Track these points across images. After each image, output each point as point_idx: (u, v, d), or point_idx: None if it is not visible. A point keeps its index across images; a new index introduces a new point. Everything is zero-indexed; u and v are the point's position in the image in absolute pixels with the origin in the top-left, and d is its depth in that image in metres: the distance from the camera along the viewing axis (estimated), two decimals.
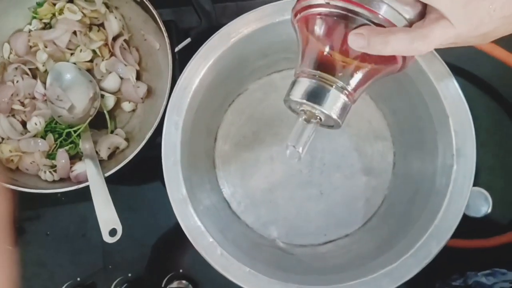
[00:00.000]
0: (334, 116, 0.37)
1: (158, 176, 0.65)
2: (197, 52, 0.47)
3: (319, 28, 0.36)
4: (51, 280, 0.64)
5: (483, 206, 0.49)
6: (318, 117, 0.38)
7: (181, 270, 0.63)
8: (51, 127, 0.59)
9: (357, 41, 0.34)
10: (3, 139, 0.59)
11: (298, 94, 0.37)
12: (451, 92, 0.46)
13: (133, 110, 0.63)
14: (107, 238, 0.47)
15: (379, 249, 0.51)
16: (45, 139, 0.58)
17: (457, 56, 0.56)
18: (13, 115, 0.60)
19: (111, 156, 0.60)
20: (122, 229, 0.50)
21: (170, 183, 0.46)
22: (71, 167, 0.57)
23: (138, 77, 0.62)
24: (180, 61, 0.57)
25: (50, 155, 0.58)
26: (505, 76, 0.63)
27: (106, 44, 0.61)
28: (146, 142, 0.53)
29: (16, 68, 0.60)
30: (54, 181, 0.57)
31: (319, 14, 0.36)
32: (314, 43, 0.37)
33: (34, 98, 0.60)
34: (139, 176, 0.65)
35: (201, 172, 0.56)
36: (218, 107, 0.59)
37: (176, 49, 0.54)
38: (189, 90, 0.47)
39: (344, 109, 0.37)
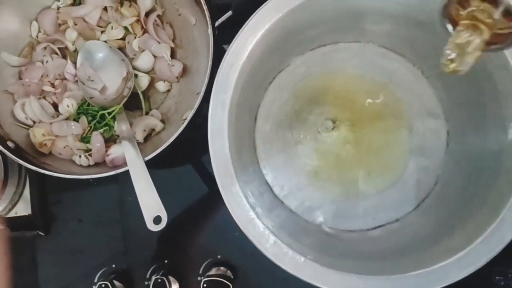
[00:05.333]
0: None
1: (190, 159, 0.63)
2: (245, 24, 0.43)
3: None
4: (84, 267, 0.62)
5: None
6: None
7: (219, 256, 0.61)
8: (83, 109, 0.56)
9: None
10: (34, 122, 0.56)
11: None
12: None
13: (168, 90, 0.60)
14: (152, 226, 0.44)
15: (438, 231, 0.48)
16: (78, 121, 0.56)
17: None
18: (44, 97, 0.57)
19: (147, 138, 0.57)
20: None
21: (218, 167, 0.43)
22: (106, 151, 0.54)
23: (173, 55, 0.59)
24: (218, 37, 0.54)
25: (84, 139, 0.56)
26: None
27: (138, 20, 0.58)
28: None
29: (45, 48, 0.58)
30: (89, 166, 0.55)
31: None
32: None
33: (64, 79, 0.57)
34: (173, 159, 0.63)
35: (244, 154, 0.53)
36: (259, 84, 0.56)
37: (217, 23, 0.51)
38: (236, 66, 0.44)
39: None
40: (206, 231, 0.62)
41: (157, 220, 0.45)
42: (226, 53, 0.44)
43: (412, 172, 0.56)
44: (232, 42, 0.43)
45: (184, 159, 0.62)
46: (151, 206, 0.45)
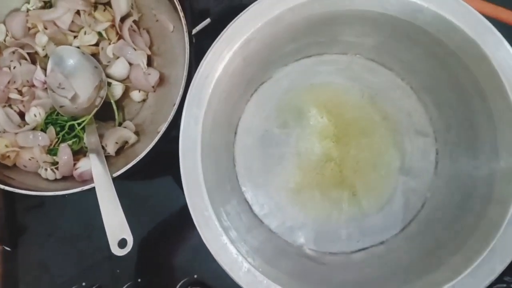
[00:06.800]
0: None
1: (171, 172, 0.59)
2: (221, 34, 0.40)
3: None
4: (53, 285, 0.59)
5: None
6: None
7: (195, 276, 0.58)
8: (52, 119, 0.53)
9: None
10: None
11: None
12: None
13: (144, 100, 0.57)
14: (116, 250, 0.41)
15: (423, 261, 0.45)
16: (45, 132, 0.52)
17: None
18: (10, 105, 0.54)
19: (119, 151, 0.54)
20: (131, 230, 0.44)
21: (188, 187, 0.40)
22: (74, 164, 0.51)
23: (149, 63, 0.56)
24: (197, 45, 0.51)
25: (51, 151, 0.52)
26: None
27: (113, 26, 0.55)
28: (160, 137, 0.47)
29: (13, 53, 0.54)
30: (56, 180, 0.51)
31: None
32: None
33: (33, 86, 0.54)
34: (151, 172, 0.60)
35: (221, 171, 0.50)
36: (240, 97, 0.52)
37: (194, 31, 0.48)
38: (211, 79, 0.41)
39: None
40: (183, 248, 0.59)
41: (122, 243, 0.42)
42: (200, 65, 0.41)
43: (399, 193, 0.53)
44: (206, 54, 0.40)
45: (161, 172, 0.59)
46: (116, 227, 0.42)
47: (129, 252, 0.57)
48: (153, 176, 0.59)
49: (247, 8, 0.41)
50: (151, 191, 0.59)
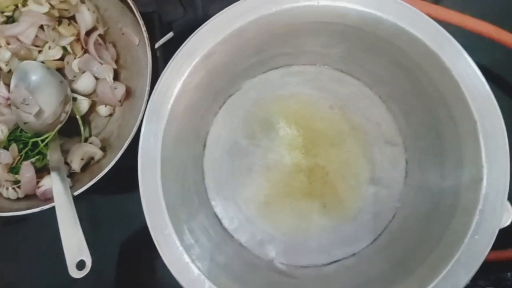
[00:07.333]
0: None
1: (137, 187, 0.58)
2: (179, 49, 0.40)
3: None
4: None
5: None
6: None
7: None
8: (15, 135, 0.52)
9: None
10: None
11: None
12: (480, 93, 0.39)
13: (111, 115, 0.56)
14: (74, 272, 0.40)
15: (393, 272, 0.45)
16: (7, 149, 0.51)
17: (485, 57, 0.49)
18: None
19: (85, 167, 0.52)
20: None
21: (148, 205, 0.39)
22: (38, 182, 0.50)
23: (116, 77, 0.55)
24: (164, 59, 0.50)
25: (13, 169, 0.51)
26: None
27: (78, 40, 0.54)
28: (124, 152, 0.46)
29: None
30: (18, 199, 0.50)
31: None
32: None
33: None
34: (118, 186, 0.58)
35: (187, 186, 0.49)
36: (207, 110, 0.52)
37: (157, 45, 0.47)
38: (170, 94, 0.40)
39: None
40: (148, 267, 0.57)
41: (80, 264, 0.41)
42: (159, 79, 0.40)
43: (369, 203, 0.52)
44: (165, 68, 0.40)
45: (128, 187, 0.58)
46: (75, 248, 0.40)
47: (96, 270, 0.56)
48: (119, 192, 0.58)
49: (207, 21, 0.40)
50: (117, 207, 0.58)
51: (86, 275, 0.42)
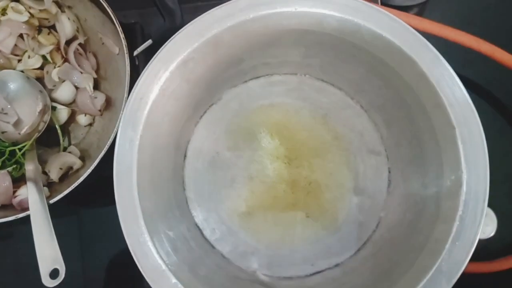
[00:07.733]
0: None
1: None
2: (155, 55, 0.39)
3: None
4: None
5: (488, 226, 0.45)
6: None
7: None
8: None
9: None
10: None
11: None
12: (458, 100, 0.39)
13: (90, 124, 0.55)
14: (47, 281, 0.39)
15: (376, 282, 0.44)
16: None
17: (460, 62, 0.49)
18: None
19: (63, 178, 0.51)
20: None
21: (124, 214, 0.38)
22: (14, 192, 0.49)
23: (96, 87, 0.55)
24: (142, 68, 0.50)
25: None
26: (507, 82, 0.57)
27: (58, 49, 0.54)
28: (100, 161, 0.46)
29: None
30: None
31: None
32: None
33: None
34: (98, 197, 0.57)
35: (168, 196, 0.48)
36: (188, 119, 0.51)
37: (135, 53, 0.47)
38: (146, 100, 0.39)
39: None
40: (128, 276, 0.56)
41: (54, 273, 0.39)
42: (135, 85, 0.39)
43: (353, 213, 0.52)
44: (141, 75, 0.39)
45: (105, 196, 0.57)
46: (49, 257, 0.39)
47: (73, 284, 0.55)
48: (100, 200, 0.57)
49: (182, 28, 0.40)
50: (98, 216, 0.57)
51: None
